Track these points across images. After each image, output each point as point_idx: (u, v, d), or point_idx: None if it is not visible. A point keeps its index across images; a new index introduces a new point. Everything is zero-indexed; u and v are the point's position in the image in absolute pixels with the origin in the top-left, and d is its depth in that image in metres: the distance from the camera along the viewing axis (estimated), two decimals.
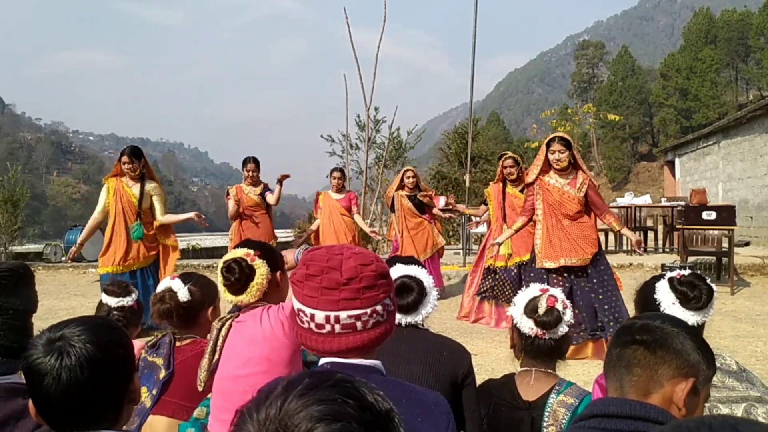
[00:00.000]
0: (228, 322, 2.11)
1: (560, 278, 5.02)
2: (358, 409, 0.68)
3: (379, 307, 1.29)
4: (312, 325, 1.28)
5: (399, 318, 2.04)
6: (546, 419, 1.92)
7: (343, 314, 1.26)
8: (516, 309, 2.06)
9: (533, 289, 2.08)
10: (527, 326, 2.01)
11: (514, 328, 2.08)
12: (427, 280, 2.10)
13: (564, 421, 1.90)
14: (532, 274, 5.21)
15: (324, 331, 1.27)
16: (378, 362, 1.34)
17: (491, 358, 5.00)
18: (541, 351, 2.03)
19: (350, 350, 1.29)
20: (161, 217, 5.95)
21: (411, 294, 2.05)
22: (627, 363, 1.28)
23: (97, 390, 1.22)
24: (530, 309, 2.02)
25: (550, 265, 5.02)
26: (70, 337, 1.22)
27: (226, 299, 2.12)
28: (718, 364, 1.77)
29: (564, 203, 5.03)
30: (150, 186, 5.95)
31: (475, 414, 2.05)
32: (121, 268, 5.72)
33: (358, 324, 1.27)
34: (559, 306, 2.01)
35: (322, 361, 1.33)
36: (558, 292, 2.07)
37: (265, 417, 0.68)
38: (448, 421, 1.31)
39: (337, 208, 7.40)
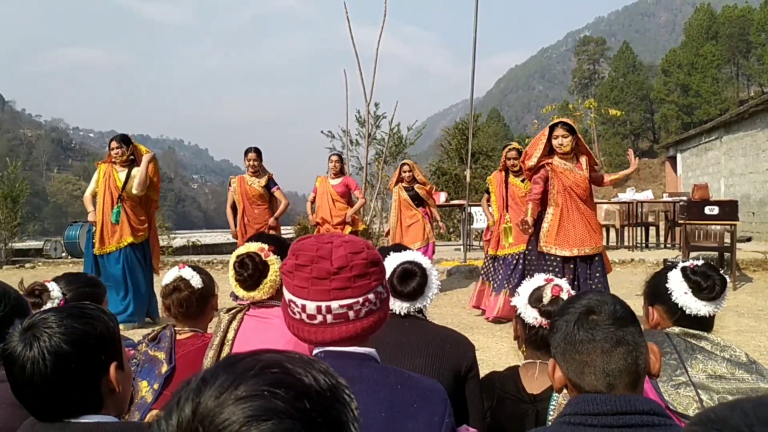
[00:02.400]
0: (239, 315, 2.08)
1: (565, 266, 5.01)
2: (291, 399, 0.56)
3: (371, 296, 1.27)
4: (303, 316, 1.26)
5: (406, 306, 2.00)
6: (551, 413, 1.88)
7: (334, 304, 1.24)
8: (520, 299, 2.02)
9: (538, 279, 2.04)
10: (531, 316, 1.97)
11: (518, 319, 2.04)
12: (426, 262, 2.06)
13: None
14: (534, 260, 5.22)
15: (316, 321, 1.25)
16: (372, 350, 1.33)
17: (492, 353, 4.98)
18: (545, 342, 1.95)
19: (343, 340, 1.27)
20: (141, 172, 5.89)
21: (415, 279, 1.99)
22: (621, 367, 1.21)
23: (62, 381, 1.21)
24: (534, 299, 1.98)
25: (565, 253, 4.98)
26: (40, 327, 1.23)
27: (237, 294, 2.08)
28: (727, 356, 1.75)
29: (579, 184, 5.01)
30: (136, 170, 5.95)
31: (479, 407, 2.02)
32: (113, 247, 5.82)
33: (351, 313, 1.25)
34: (564, 295, 1.96)
35: (316, 350, 1.31)
36: (563, 282, 2.03)
37: (177, 423, 0.56)
38: (445, 408, 1.29)
39: (331, 193, 7.40)
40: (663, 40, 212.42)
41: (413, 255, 2.06)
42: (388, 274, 1.99)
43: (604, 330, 1.21)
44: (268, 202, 6.77)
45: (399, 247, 2.20)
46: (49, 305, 2.31)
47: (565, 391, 1.92)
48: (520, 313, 2.02)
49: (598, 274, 5.01)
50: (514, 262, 6.15)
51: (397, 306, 1.98)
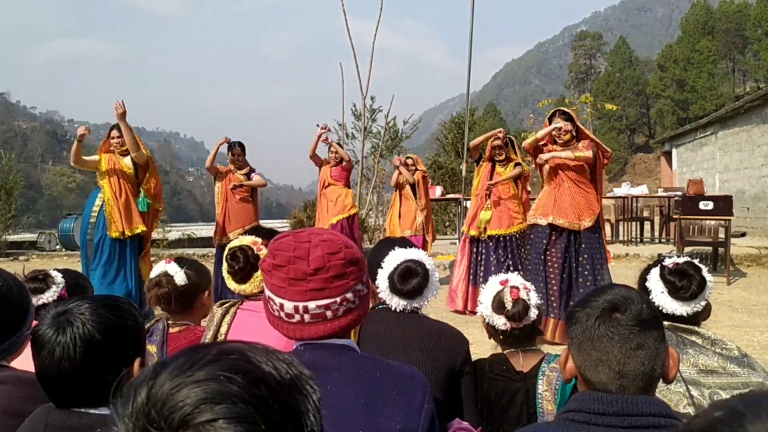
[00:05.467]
0: (232, 309, 2.07)
1: (556, 238, 5.06)
2: (247, 385, 0.56)
3: (349, 295, 1.28)
4: (282, 314, 1.28)
5: (403, 303, 2.01)
6: (540, 385, 1.96)
7: (311, 304, 1.25)
8: (484, 307, 2.08)
9: (494, 284, 2.10)
10: (500, 323, 2.04)
11: (489, 326, 2.12)
12: (429, 262, 2.08)
13: (557, 384, 1.94)
14: (532, 236, 5.28)
15: (294, 320, 1.27)
16: (351, 341, 1.35)
17: (487, 347, 4.97)
18: (520, 339, 2.08)
19: (321, 338, 1.29)
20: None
21: (416, 278, 2.01)
22: (637, 370, 1.19)
23: (89, 369, 1.22)
24: (497, 306, 2.04)
25: (541, 221, 5.08)
26: (73, 314, 1.25)
27: (230, 287, 2.07)
28: (719, 350, 1.75)
29: (568, 162, 5.05)
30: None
31: (473, 401, 2.04)
32: (128, 233, 5.57)
33: (328, 313, 1.26)
34: (523, 295, 2.03)
35: (296, 343, 1.33)
36: (516, 278, 2.09)
37: (132, 409, 0.56)
38: (424, 394, 1.29)
39: (326, 178, 7.70)
40: (659, 35, 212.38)
41: (417, 254, 2.08)
42: (389, 270, 1.99)
43: (625, 330, 1.18)
44: (250, 194, 6.87)
45: (404, 242, 2.21)
46: (53, 290, 2.29)
47: (551, 365, 1.98)
48: (488, 321, 2.09)
49: (595, 259, 5.01)
50: (502, 245, 6.18)
51: (395, 302, 2.00)
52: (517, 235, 6.17)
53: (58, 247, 13.41)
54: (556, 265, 5.02)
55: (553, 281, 5.00)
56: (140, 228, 5.65)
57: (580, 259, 5.01)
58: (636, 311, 1.20)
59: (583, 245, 5.01)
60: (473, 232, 6.36)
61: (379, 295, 2.02)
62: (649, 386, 1.18)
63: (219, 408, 0.54)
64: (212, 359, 0.58)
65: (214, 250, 11.62)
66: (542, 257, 5.03)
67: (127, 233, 5.58)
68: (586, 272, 4.98)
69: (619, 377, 1.17)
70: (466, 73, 9.44)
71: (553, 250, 5.04)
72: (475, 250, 6.35)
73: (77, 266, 11.17)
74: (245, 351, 0.61)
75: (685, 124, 31.58)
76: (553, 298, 5.00)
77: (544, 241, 5.05)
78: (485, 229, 6.25)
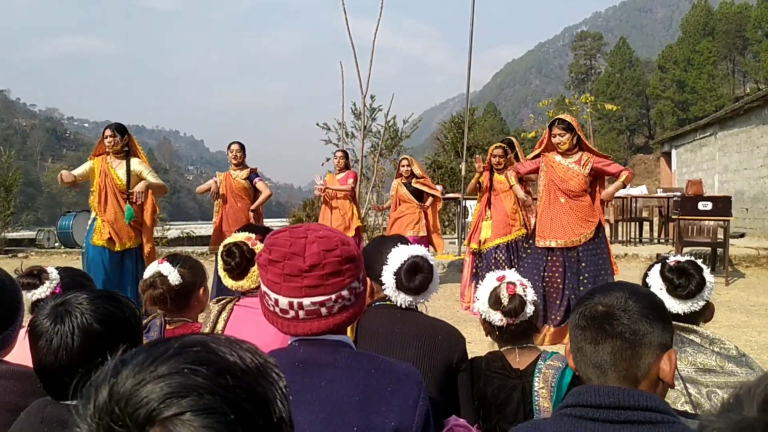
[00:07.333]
0: (228, 306, 2.07)
1: (554, 257, 5.03)
2: (212, 376, 0.55)
3: (345, 292, 1.27)
4: (277, 309, 1.27)
5: (409, 299, 2.01)
6: (536, 382, 1.97)
7: (306, 301, 1.24)
8: (481, 303, 2.09)
9: (491, 280, 2.11)
10: (497, 319, 2.04)
11: (485, 322, 2.12)
12: (432, 258, 2.09)
13: (553, 381, 1.95)
14: (529, 251, 5.29)
15: (288, 316, 1.26)
16: (347, 337, 1.35)
17: (485, 345, 4.95)
18: (516, 335, 2.09)
19: (315, 335, 1.28)
20: (153, 181, 5.70)
21: (422, 274, 2.01)
22: (609, 361, 1.19)
23: (86, 359, 1.22)
24: (494, 301, 2.05)
25: (540, 243, 5.06)
26: (72, 304, 1.26)
27: (226, 284, 2.07)
28: (717, 349, 1.75)
29: (567, 180, 4.98)
30: (135, 164, 5.68)
31: (470, 399, 2.04)
32: (115, 246, 5.52)
33: (323, 310, 1.26)
34: (519, 291, 2.04)
35: (291, 338, 1.32)
36: (513, 275, 2.10)
37: (94, 407, 0.54)
38: (419, 390, 1.29)
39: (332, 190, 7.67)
40: (660, 36, 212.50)
41: (421, 249, 2.08)
42: (396, 266, 1.99)
43: (599, 321, 1.19)
44: (252, 196, 6.85)
45: (398, 238, 2.20)
46: (46, 285, 2.27)
47: (547, 362, 2.01)
48: (485, 317, 2.09)
49: (599, 266, 4.95)
50: (494, 256, 6.19)
51: (401, 298, 2.01)
52: (515, 243, 6.17)
53: (56, 244, 13.41)
54: (558, 282, 4.97)
55: (554, 294, 4.95)
56: (128, 244, 5.60)
57: (581, 278, 4.92)
58: (619, 305, 1.21)
59: (583, 264, 4.92)
60: (474, 246, 6.39)
61: (384, 292, 2.01)
62: (633, 381, 1.18)
63: (185, 401, 0.53)
64: (175, 353, 0.57)
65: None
66: (540, 277, 4.97)
67: (118, 248, 5.53)
68: (585, 280, 4.93)
69: (594, 368, 1.20)
70: (466, 72, 9.45)
71: (553, 268, 4.99)
72: (477, 263, 6.38)
73: (77, 264, 11.12)
74: (208, 342, 0.60)
75: (684, 124, 31.58)
76: (550, 308, 4.97)
77: (542, 263, 5.02)
78: (485, 241, 6.29)
